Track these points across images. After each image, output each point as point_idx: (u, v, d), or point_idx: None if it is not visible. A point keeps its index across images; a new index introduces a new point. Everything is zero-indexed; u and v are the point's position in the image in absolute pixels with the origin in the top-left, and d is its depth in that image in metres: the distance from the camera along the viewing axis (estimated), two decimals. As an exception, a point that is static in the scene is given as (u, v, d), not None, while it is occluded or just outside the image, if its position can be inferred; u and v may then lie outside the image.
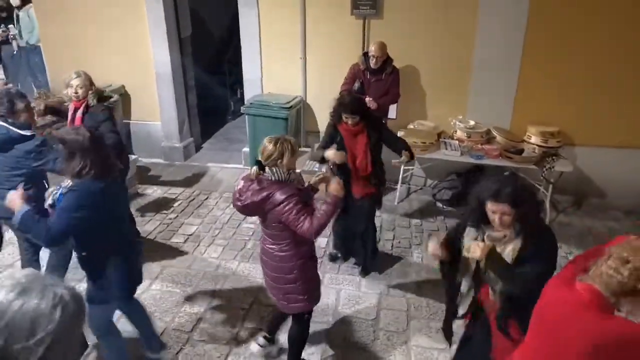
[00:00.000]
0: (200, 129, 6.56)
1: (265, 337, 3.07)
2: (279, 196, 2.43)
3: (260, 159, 2.50)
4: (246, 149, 5.70)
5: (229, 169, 5.87)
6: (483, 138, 4.91)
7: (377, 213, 4.02)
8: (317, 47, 5.20)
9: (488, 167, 4.82)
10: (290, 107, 5.10)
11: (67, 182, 2.36)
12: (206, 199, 5.15)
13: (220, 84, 7.52)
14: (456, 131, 5.00)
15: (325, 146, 3.57)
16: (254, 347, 3.07)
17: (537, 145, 4.78)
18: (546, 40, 4.72)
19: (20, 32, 6.85)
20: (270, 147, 2.49)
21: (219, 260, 4.09)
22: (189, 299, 3.62)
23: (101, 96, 3.70)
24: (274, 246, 2.60)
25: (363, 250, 3.89)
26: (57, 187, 2.40)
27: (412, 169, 5.23)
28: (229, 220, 4.74)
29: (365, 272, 3.91)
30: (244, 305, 3.56)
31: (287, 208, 2.42)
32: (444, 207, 5.00)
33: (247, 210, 2.59)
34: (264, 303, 3.52)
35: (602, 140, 4.89)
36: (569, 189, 4.95)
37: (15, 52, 7.05)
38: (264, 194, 2.46)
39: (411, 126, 5.07)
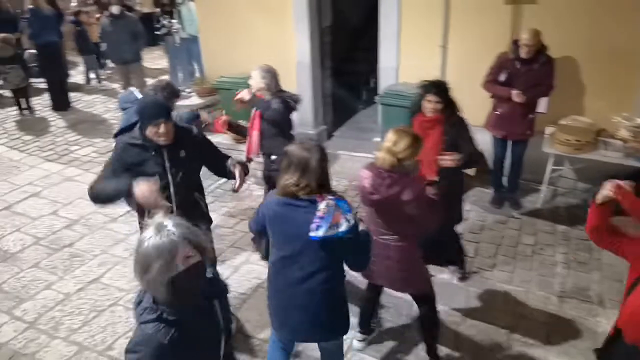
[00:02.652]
0: (332, 117, 6.70)
1: (361, 332, 3.10)
2: (412, 190, 2.39)
3: (394, 150, 2.43)
4: (377, 139, 5.67)
5: (358, 157, 5.90)
6: (654, 139, 4.22)
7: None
8: (461, 34, 4.93)
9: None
10: (427, 97, 4.94)
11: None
12: (336, 185, 5.25)
13: (354, 72, 7.57)
14: (619, 130, 4.38)
15: None
16: (355, 344, 3.10)
17: None
18: None
19: (182, 24, 7.66)
20: (408, 140, 2.42)
21: (347, 246, 4.15)
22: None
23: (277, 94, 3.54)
24: (391, 237, 2.58)
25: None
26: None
27: (562, 169, 4.72)
28: (357, 208, 4.77)
29: (463, 278, 3.64)
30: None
31: (419, 204, 2.40)
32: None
33: (381, 204, 2.50)
34: (386, 291, 3.48)
35: None
36: None
37: (177, 44, 7.89)
38: (397, 188, 2.40)
39: (564, 122, 4.56)
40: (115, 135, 2.68)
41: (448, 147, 3.07)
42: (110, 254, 4.11)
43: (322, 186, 2.12)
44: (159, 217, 1.51)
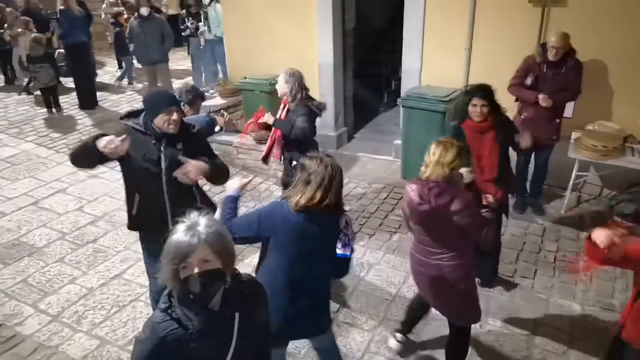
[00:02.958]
0: (353, 118, 6.69)
1: (401, 333, 3.07)
2: (461, 200, 2.36)
3: (444, 162, 2.40)
4: (398, 142, 5.64)
5: (378, 160, 5.89)
6: (685, 146, 4.10)
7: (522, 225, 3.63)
8: (486, 37, 4.87)
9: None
10: (449, 100, 4.89)
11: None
12: (355, 187, 5.25)
13: (376, 75, 7.56)
14: (648, 136, 4.27)
15: None
16: (392, 343, 3.06)
17: None
18: None
19: (209, 26, 7.77)
20: (455, 150, 2.40)
21: (365, 248, 4.14)
22: (334, 282, 3.73)
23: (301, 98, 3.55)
24: (443, 256, 2.49)
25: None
26: None
27: (587, 175, 4.62)
28: (376, 211, 4.76)
29: (487, 284, 3.57)
30: (387, 297, 3.55)
31: (470, 213, 2.37)
32: (623, 222, 4.30)
33: (430, 216, 2.43)
34: (407, 297, 3.46)
35: None
36: None
37: (202, 46, 8.00)
38: (447, 197, 2.36)
39: (590, 127, 4.46)
40: (121, 118, 2.75)
41: (501, 147, 3.15)
42: (132, 250, 4.20)
43: (337, 203, 2.16)
44: (196, 215, 1.51)
